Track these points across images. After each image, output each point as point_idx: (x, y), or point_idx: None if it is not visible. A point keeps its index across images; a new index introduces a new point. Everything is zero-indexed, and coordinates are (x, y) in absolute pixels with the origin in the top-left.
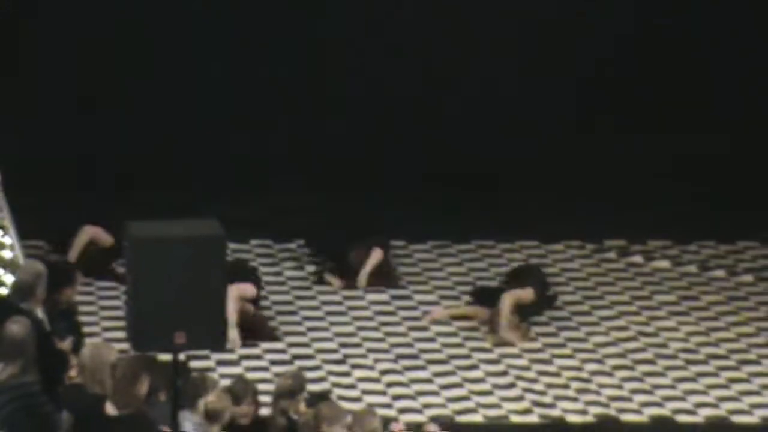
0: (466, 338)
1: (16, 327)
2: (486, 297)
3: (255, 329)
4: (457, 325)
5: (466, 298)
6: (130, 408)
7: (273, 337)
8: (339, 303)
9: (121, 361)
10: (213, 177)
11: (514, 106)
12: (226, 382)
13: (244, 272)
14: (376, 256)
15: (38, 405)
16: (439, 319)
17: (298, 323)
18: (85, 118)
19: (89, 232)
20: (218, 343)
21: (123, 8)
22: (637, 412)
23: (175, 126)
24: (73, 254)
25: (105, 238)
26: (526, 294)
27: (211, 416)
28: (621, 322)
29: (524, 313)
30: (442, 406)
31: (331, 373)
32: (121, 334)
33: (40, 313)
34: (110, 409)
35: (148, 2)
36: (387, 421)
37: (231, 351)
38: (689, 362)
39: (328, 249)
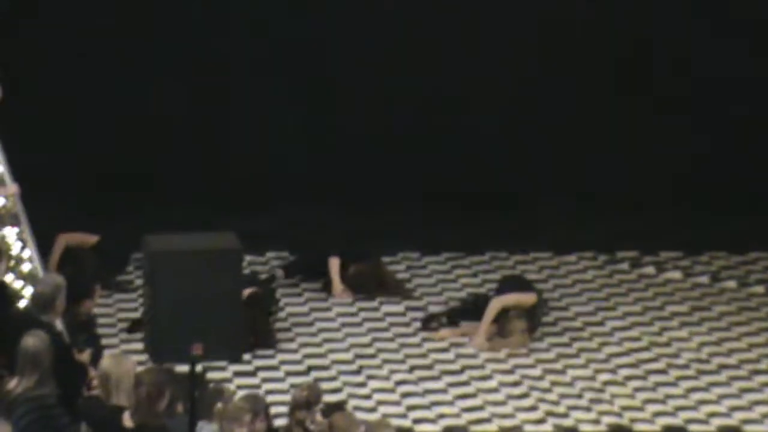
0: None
1: (32, 340)
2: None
3: (257, 334)
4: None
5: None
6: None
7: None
8: (354, 314)
9: (144, 377)
10: (228, 190)
11: (526, 116)
12: (242, 393)
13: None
14: (333, 264)
15: (54, 417)
16: (447, 338)
17: (314, 334)
18: (101, 132)
19: (64, 239)
20: (235, 354)
21: (132, 12)
22: (650, 421)
23: (188, 139)
24: (52, 262)
25: (86, 238)
26: (529, 298)
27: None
28: (633, 333)
29: (533, 319)
30: (457, 416)
31: (346, 383)
32: (139, 346)
33: (59, 325)
34: (128, 420)
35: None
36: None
37: (248, 362)
38: (701, 372)
39: (311, 263)
